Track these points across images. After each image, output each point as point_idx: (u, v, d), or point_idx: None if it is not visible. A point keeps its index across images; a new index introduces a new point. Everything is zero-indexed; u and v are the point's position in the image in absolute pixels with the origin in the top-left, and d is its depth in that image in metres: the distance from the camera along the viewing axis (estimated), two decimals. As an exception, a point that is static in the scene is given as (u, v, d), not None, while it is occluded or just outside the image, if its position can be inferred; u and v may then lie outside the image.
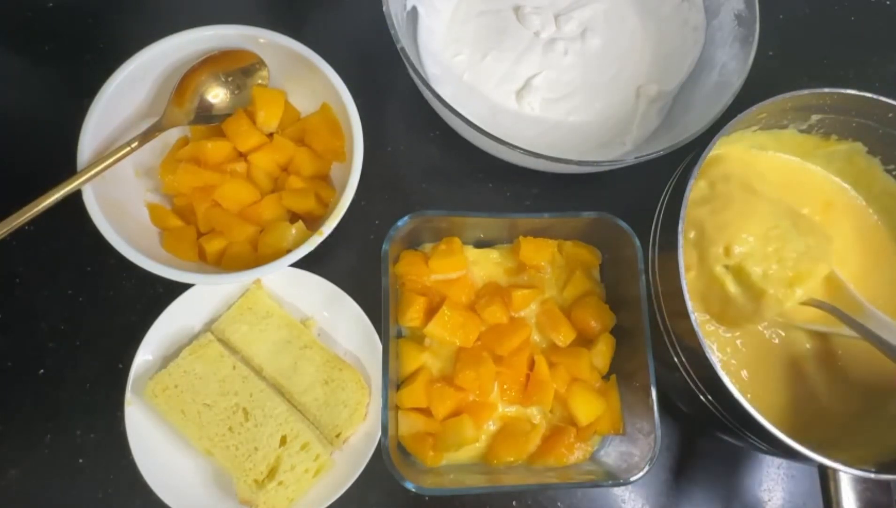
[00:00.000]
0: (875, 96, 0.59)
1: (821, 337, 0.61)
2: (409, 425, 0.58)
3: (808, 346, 0.61)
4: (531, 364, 0.61)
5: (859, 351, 0.60)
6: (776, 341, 0.60)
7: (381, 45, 0.66)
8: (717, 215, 0.58)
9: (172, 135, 0.66)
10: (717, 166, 0.62)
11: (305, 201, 0.63)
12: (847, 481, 0.51)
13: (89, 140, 0.59)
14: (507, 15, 0.75)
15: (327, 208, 0.64)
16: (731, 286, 0.57)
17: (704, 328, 0.59)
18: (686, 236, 0.58)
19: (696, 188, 0.59)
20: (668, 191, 0.59)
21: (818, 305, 0.57)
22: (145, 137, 0.61)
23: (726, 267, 0.57)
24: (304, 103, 0.68)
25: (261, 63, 0.66)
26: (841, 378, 0.60)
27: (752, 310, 0.57)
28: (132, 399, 0.60)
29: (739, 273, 0.57)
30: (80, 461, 0.62)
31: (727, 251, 0.57)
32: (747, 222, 0.58)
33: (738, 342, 0.60)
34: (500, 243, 0.66)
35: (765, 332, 0.61)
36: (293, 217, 0.64)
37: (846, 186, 0.67)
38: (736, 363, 0.59)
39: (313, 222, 0.62)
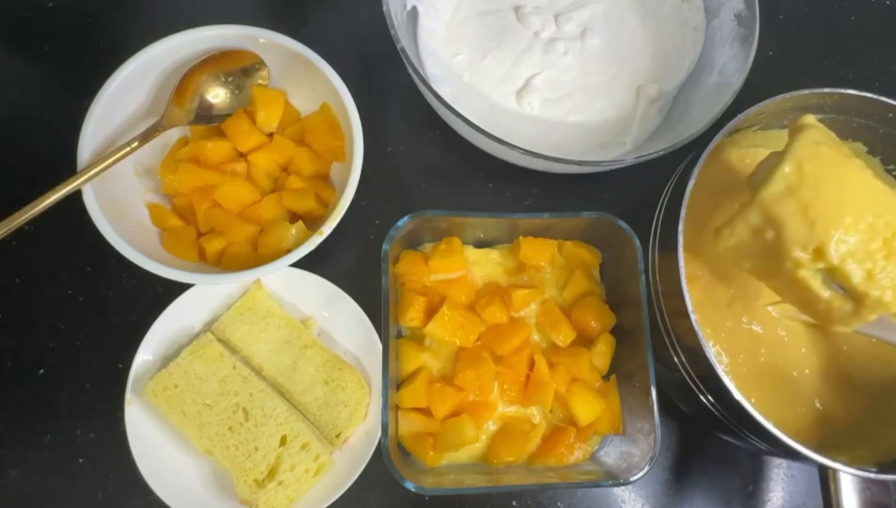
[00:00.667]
0: (875, 96, 0.59)
1: (823, 336, 0.61)
2: (409, 425, 0.58)
3: (809, 345, 0.61)
4: (531, 364, 0.61)
5: (861, 351, 0.60)
6: (777, 339, 0.60)
7: (381, 45, 0.66)
8: (805, 208, 0.48)
9: (172, 135, 0.66)
10: (805, 138, 0.50)
11: (305, 201, 0.63)
12: (847, 481, 0.51)
13: (89, 140, 0.59)
14: (506, 15, 0.75)
15: (327, 208, 0.64)
16: (822, 291, 0.50)
17: (704, 329, 0.59)
18: (762, 236, 0.50)
19: (781, 175, 0.48)
20: (668, 191, 0.59)
21: None
22: (145, 137, 0.61)
23: (819, 268, 0.49)
24: (304, 103, 0.68)
25: (261, 63, 0.66)
26: (842, 378, 0.60)
27: (851, 312, 0.50)
28: (132, 399, 0.60)
29: (834, 273, 0.49)
30: (80, 461, 0.62)
31: (819, 254, 0.48)
32: (845, 212, 0.47)
33: (739, 341, 0.60)
34: (500, 243, 0.66)
35: (765, 331, 0.60)
36: (293, 217, 0.64)
37: None
38: (736, 362, 0.59)
39: (313, 222, 0.62)
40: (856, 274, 0.47)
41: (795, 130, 0.51)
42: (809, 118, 0.52)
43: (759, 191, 0.49)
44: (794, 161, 0.49)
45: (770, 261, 0.50)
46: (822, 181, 0.48)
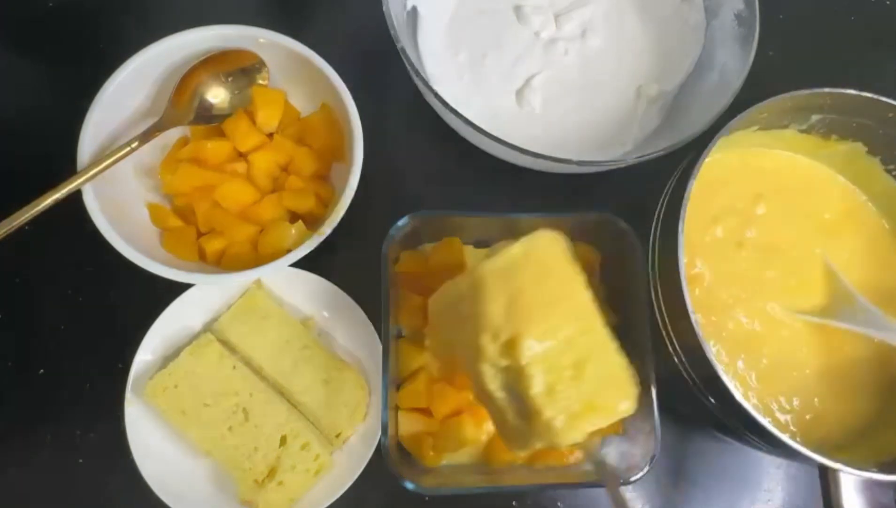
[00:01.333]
0: (875, 96, 0.59)
1: (824, 337, 0.61)
2: (409, 425, 0.58)
3: (811, 345, 0.61)
4: (531, 364, 0.61)
5: (862, 351, 0.60)
6: (778, 339, 0.60)
7: (381, 45, 0.66)
8: (516, 295, 0.44)
9: (172, 135, 0.65)
10: (548, 234, 0.48)
11: (305, 201, 0.63)
12: (847, 481, 0.51)
13: (89, 140, 0.59)
14: (507, 15, 0.75)
15: (327, 208, 0.64)
16: (498, 391, 0.44)
17: (704, 329, 0.59)
18: (458, 308, 0.46)
19: (509, 254, 0.46)
20: (668, 191, 0.59)
21: None
22: (145, 137, 0.61)
23: (502, 366, 0.44)
24: (304, 103, 0.68)
25: (261, 63, 0.66)
26: (843, 378, 0.60)
27: (522, 432, 0.44)
28: (132, 399, 0.60)
29: (517, 377, 0.43)
30: (80, 461, 0.62)
31: (511, 346, 0.42)
32: (551, 314, 0.43)
33: (740, 341, 0.60)
34: (500, 244, 0.66)
35: (767, 330, 0.60)
36: (293, 217, 0.64)
37: (856, 188, 0.66)
38: (735, 361, 0.59)
39: (313, 222, 0.62)
40: (538, 382, 0.42)
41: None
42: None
43: (482, 263, 0.46)
44: (525, 246, 0.46)
45: (459, 344, 0.46)
46: (543, 276, 0.45)
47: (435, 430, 0.58)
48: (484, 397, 0.47)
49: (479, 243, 0.65)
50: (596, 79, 0.74)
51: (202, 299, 0.64)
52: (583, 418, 0.42)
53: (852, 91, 0.59)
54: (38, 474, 0.62)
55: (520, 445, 0.46)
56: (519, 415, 0.44)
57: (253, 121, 0.65)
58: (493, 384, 0.44)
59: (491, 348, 0.43)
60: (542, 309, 0.43)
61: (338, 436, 0.61)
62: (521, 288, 0.44)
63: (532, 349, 0.42)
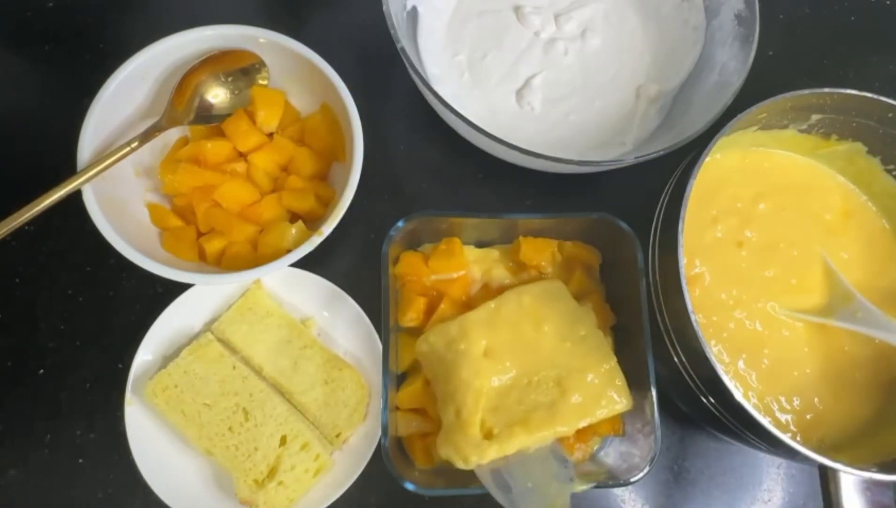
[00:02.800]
0: (875, 96, 0.59)
1: (825, 337, 0.61)
2: (408, 426, 0.58)
3: (812, 345, 0.61)
4: (531, 364, 0.61)
5: (862, 351, 0.60)
6: (779, 339, 0.60)
7: (381, 45, 0.66)
8: (492, 340, 0.56)
9: (172, 135, 0.66)
10: (512, 292, 0.59)
11: (305, 201, 0.63)
12: (847, 481, 0.51)
13: (89, 140, 0.59)
14: (507, 15, 0.75)
15: (327, 208, 0.64)
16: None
17: (705, 329, 0.59)
18: (455, 347, 0.56)
19: (486, 307, 0.57)
20: (668, 191, 0.59)
21: None
22: (145, 137, 0.61)
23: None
24: (304, 103, 0.68)
25: (261, 63, 0.66)
26: (843, 378, 0.60)
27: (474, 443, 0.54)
28: (132, 399, 0.60)
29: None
30: (80, 461, 0.62)
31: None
32: (506, 356, 0.55)
33: (741, 341, 0.60)
34: (500, 244, 0.66)
35: (768, 330, 0.60)
36: (293, 217, 0.64)
37: (856, 188, 0.67)
38: (736, 361, 0.59)
39: (313, 222, 0.62)
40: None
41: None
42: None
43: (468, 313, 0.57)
44: (496, 302, 0.58)
45: (450, 377, 0.55)
46: (511, 323, 0.57)
47: (434, 433, 0.58)
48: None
49: (480, 244, 0.65)
50: (596, 79, 0.74)
51: (202, 299, 0.64)
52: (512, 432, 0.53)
53: (852, 91, 0.58)
54: (38, 474, 0.62)
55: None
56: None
57: (253, 121, 0.65)
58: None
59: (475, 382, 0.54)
60: (507, 350, 0.56)
61: (338, 436, 0.61)
62: (495, 336, 0.56)
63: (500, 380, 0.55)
